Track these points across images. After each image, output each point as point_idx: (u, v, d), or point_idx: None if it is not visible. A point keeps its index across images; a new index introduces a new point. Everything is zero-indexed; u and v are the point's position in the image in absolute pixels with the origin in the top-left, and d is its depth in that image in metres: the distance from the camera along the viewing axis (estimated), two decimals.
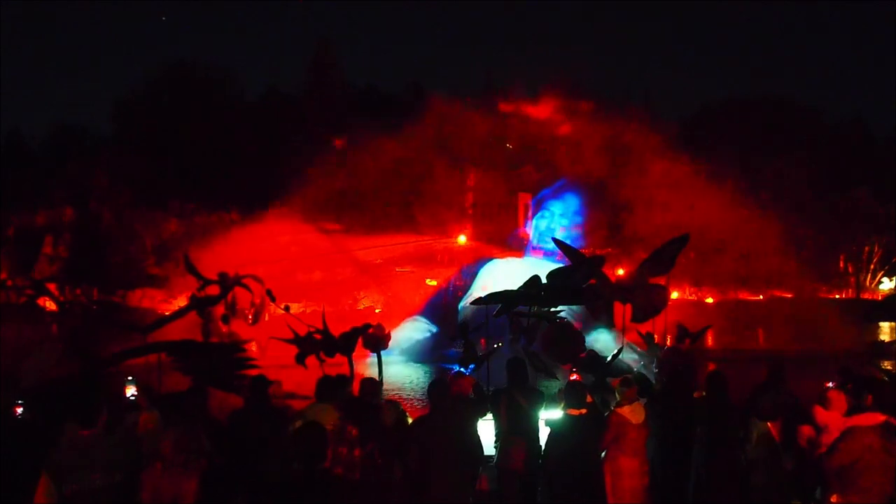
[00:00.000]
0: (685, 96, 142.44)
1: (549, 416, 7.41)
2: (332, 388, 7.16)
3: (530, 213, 33.86)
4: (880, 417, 5.95)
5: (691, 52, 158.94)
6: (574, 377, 9.18)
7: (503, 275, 30.70)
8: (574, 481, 6.89)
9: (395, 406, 7.23)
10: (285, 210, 31.05)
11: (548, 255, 29.35)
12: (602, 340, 14.42)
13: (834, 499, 5.99)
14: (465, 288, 30.82)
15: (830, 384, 7.66)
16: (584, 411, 7.00)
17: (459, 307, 29.02)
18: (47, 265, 39.97)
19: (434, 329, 29.47)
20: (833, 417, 6.30)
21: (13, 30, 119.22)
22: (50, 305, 33.32)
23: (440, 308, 31.01)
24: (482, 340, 14.88)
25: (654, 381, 8.95)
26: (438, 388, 6.86)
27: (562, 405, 7.18)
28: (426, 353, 27.18)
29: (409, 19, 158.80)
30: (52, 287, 33.96)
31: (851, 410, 6.32)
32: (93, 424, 5.63)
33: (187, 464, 5.08)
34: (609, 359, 9.66)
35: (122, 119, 47.60)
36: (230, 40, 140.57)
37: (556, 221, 33.12)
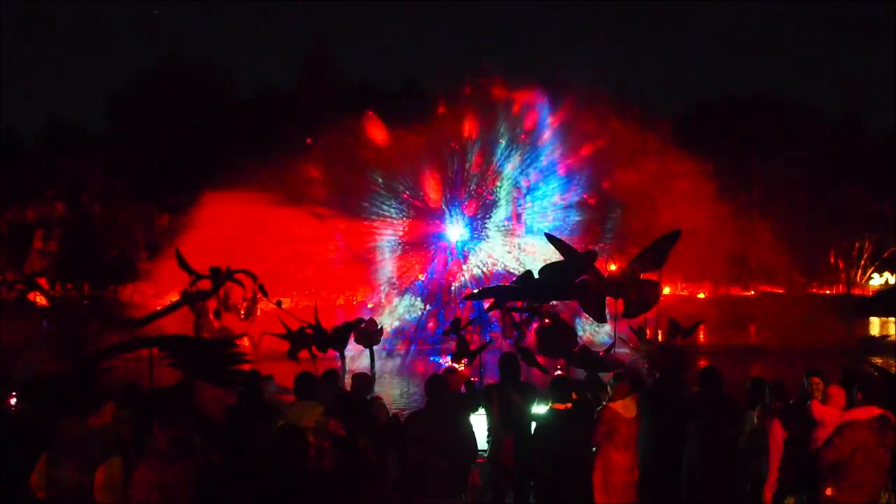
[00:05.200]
0: (680, 93, 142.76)
1: (536, 411, 7.45)
2: (312, 385, 7.14)
3: (521, 195, 34.01)
4: (876, 411, 6.01)
5: (686, 49, 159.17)
6: (559, 372, 9.22)
7: (496, 252, 31.14)
8: (559, 475, 6.92)
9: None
10: (278, 197, 30.97)
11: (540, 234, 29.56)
12: None
13: (829, 492, 6.05)
14: (459, 264, 31.21)
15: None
16: (569, 405, 7.03)
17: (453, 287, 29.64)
18: (38, 260, 39.81)
19: (429, 307, 29.71)
20: (830, 412, 6.34)
21: (7, 24, 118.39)
22: (41, 301, 33.16)
23: (432, 285, 31.23)
24: (475, 336, 14.90)
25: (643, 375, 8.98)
26: (436, 382, 6.86)
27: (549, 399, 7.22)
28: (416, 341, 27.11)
29: (405, 16, 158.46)
30: (42, 282, 33.79)
31: (846, 405, 6.37)
32: (96, 413, 5.68)
33: (180, 459, 5.07)
34: (602, 353, 9.71)
35: (115, 114, 47.42)
36: (225, 36, 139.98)
37: (546, 198, 33.47)
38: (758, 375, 8.28)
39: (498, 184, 33.86)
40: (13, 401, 8.18)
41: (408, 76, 45.98)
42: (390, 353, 23.89)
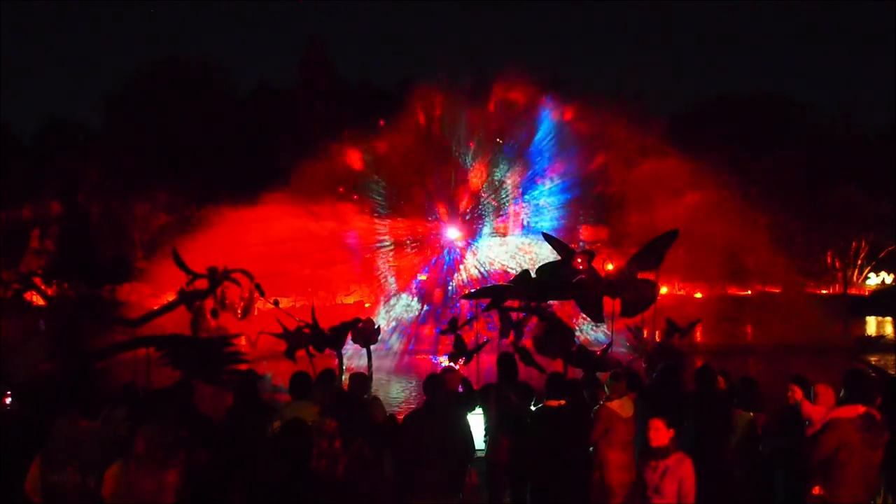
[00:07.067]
0: (676, 93, 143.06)
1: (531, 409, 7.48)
2: (307, 385, 7.13)
3: (519, 195, 34.10)
4: (860, 409, 6.00)
5: (683, 48, 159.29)
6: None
7: (493, 251, 31.20)
8: (552, 472, 6.93)
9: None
10: (275, 196, 31.01)
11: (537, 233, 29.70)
12: None
13: (816, 490, 6.05)
14: (455, 265, 31.27)
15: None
16: (562, 402, 7.04)
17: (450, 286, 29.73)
18: (34, 259, 39.74)
19: (427, 307, 29.78)
20: (818, 411, 6.35)
21: (3, 22, 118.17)
22: (38, 300, 33.09)
23: (428, 285, 31.29)
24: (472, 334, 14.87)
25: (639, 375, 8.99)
26: (433, 381, 6.86)
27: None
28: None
29: (402, 15, 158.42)
30: (38, 281, 33.70)
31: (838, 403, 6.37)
32: (94, 416, 5.64)
33: (164, 460, 4.98)
34: (599, 353, 9.71)
35: (112, 113, 47.34)
36: (222, 35, 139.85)
37: (544, 197, 33.58)
38: (746, 375, 8.30)
39: (495, 184, 33.88)
40: (8, 400, 8.17)
41: (406, 76, 45.79)
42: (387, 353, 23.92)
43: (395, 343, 27.06)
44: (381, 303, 32.06)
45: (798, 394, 6.96)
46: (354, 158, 34.07)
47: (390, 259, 33.43)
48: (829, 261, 51.54)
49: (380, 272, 33.56)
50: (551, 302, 10.93)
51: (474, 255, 31.91)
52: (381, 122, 34.47)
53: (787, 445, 6.77)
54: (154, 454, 4.91)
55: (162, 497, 4.92)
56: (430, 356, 25.04)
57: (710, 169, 31.81)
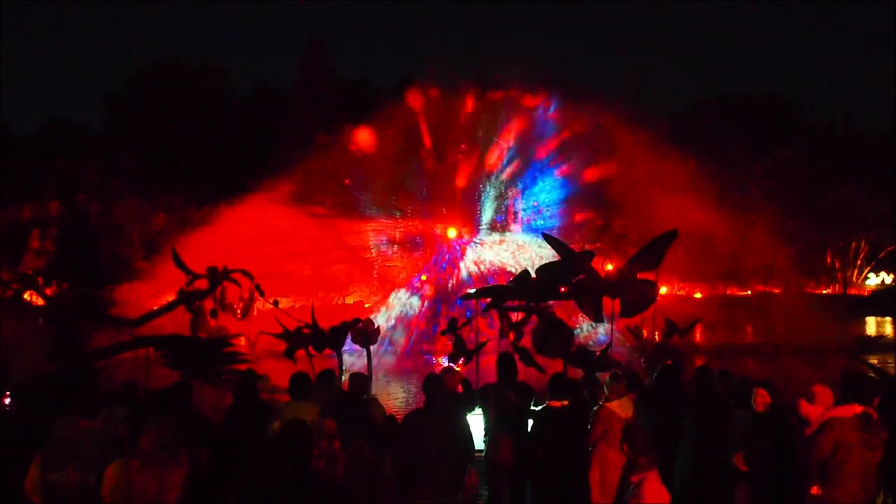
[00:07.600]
0: (677, 92, 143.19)
1: (533, 410, 7.47)
2: (307, 385, 7.13)
3: (518, 194, 34.14)
4: (858, 409, 6.00)
5: (683, 48, 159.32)
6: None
7: (493, 250, 31.30)
8: (555, 473, 6.92)
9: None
10: (273, 196, 31.02)
11: (535, 231, 29.82)
12: None
13: (814, 490, 6.05)
14: (455, 262, 31.32)
15: None
16: (566, 403, 7.04)
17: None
18: (34, 259, 39.73)
19: (426, 305, 29.86)
20: (815, 411, 6.35)
21: (4, 22, 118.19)
22: (37, 300, 33.08)
23: (428, 284, 31.34)
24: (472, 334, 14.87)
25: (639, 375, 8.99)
26: (433, 381, 6.86)
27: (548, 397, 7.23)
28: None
29: (402, 15, 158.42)
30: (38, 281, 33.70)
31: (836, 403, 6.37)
32: (94, 416, 5.65)
33: (168, 458, 5.00)
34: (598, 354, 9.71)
35: (112, 113, 47.37)
36: (222, 35, 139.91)
37: (541, 197, 33.64)
38: (743, 375, 8.31)
39: (495, 182, 33.89)
40: (8, 400, 8.17)
41: (406, 76, 45.73)
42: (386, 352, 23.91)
43: (396, 342, 27.06)
44: (381, 302, 32.08)
45: (766, 398, 6.95)
46: (354, 157, 34.07)
47: (390, 258, 33.45)
48: (828, 261, 51.49)
49: (379, 272, 33.58)
50: (551, 302, 10.93)
51: (474, 252, 31.94)
52: (380, 117, 34.49)
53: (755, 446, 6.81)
54: (160, 453, 4.94)
55: (165, 496, 4.94)
56: (427, 356, 25.08)
57: (710, 169, 31.80)
